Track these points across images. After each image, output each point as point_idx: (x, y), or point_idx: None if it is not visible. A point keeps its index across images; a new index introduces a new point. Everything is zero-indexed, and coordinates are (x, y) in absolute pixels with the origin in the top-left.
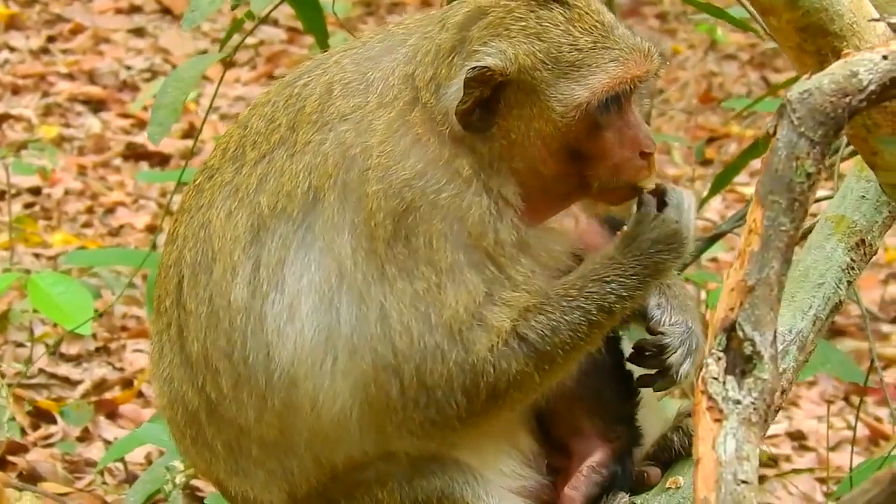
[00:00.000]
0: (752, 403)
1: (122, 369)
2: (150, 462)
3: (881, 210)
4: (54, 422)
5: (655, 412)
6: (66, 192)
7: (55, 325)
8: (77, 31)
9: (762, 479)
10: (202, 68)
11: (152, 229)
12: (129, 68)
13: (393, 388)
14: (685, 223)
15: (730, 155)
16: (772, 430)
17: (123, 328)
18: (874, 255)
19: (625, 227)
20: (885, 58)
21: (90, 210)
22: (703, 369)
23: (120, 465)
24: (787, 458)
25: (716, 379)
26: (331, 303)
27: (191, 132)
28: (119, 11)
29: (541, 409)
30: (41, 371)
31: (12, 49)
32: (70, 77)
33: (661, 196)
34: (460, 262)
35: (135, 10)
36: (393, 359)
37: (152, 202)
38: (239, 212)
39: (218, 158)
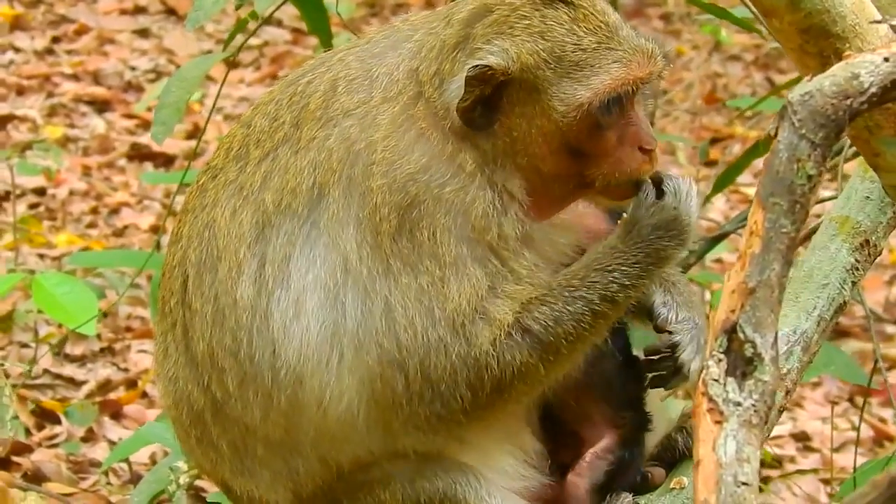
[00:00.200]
0: (753, 405)
1: (126, 370)
2: (154, 462)
3: (885, 211)
4: (59, 422)
5: (659, 413)
6: (71, 193)
7: (60, 326)
8: (82, 31)
9: (766, 479)
10: (206, 68)
11: (156, 230)
12: (133, 69)
13: (398, 383)
14: (684, 209)
15: (734, 156)
16: (776, 431)
17: (128, 328)
18: (878, 255)
19: (624, 215)
20: (886, 60)
21: (95, 210)
22: (704, 371)
23: (124, 465)
24: (792, 459)
25: (716, 381)
26: (336, 298)
27: (195, 133)
28: (124, 12)
29: (548, 399)
30: (46, 371)
31: (17, 50)
32: (75, 78)
33: (659, 184)
34: (464, 255)
35: (139, 10)
36: (398, 353)
37: (156, 203)
38: (244, 210)
39: (221, 158)
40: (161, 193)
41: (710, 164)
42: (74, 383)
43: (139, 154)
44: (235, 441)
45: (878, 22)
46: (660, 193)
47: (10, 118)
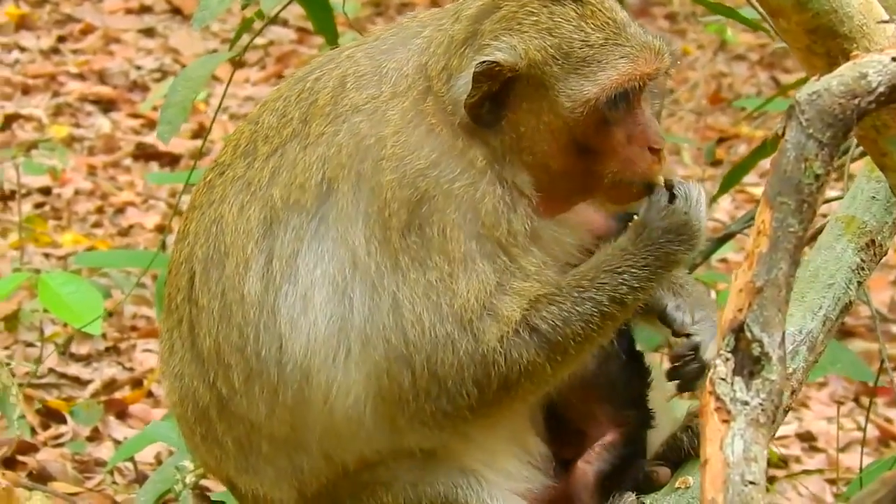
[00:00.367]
0: (760, 404)
1: (131, 369)
2: (159, 462)
3: (891, 211)
4: (64, 421)
5: (665, 412)
6: (76, 192)
7: (65, 325)
8: (87, 31)
9: (772, 479)
10: (212, 68)
11: (162, 229)
12: (139, 68)
13: (405, 379)
14: (695, 214)
15: (739, 155)
16: (782, 431)
17: (133, 328)
18: (884, 255)
19: (636, 217)
20: (894, 59)
21: (100, 210)
22: (712, 370)
23: (130, 464)
24: (797, 460)
25: (724, 380)
26: (344, 293)
27: (200, 132)
28: (129, 11)
29: (552, 398)
30: (51, 371)
31: (23, 49)
32: (80, 77)
33: (669, 188)
34: (473, 251)
35: (145, 10)
36: (405, 349)
37: (162, 202)
38: (251, 205)
39: (229, 155)
40: (166, 193)
41: (716, 164)
42: (80, 382)
43: (144, 153)
44: (240, 438)
45: (886, 22)
46: (670, 197)
47: (15, 117)
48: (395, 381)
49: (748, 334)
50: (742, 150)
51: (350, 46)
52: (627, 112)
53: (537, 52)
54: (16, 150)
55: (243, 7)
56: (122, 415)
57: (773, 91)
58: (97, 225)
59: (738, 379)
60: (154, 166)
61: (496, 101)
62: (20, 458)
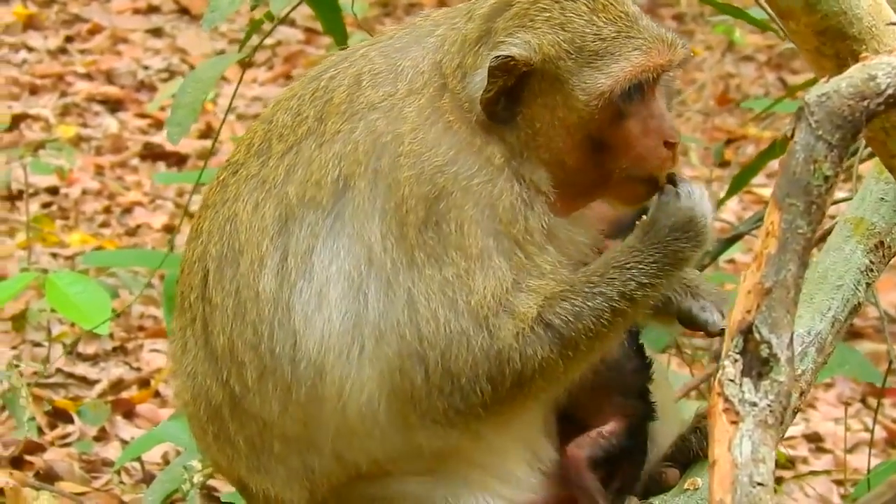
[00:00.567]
0: (769, 406)
1: (139, 369)
2: (167, 462)
3: None
4: (71, 421)
5: (673, 413)
6: (84, 192)
7: (73, 325)
8: (95, 31)
9: (779, 480)
10: (221, 69)
11: (169, 229)
12: (146, 68)
13: (418, 375)
14: (700, 212)
15: (747, 156)
16: (789, 431)
17: (140, 328)
18: (893, 257)
19: (644, 217)
20: None
21: (107, 210)
22: (720, 371)
23: (137, 464)
24: (804, 460)
25: (732, 381)
26: (359, 289)
27: (208, 132)
28: (137, 11)
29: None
30: (58, 370)
31: (30, 49)
32: (88, 77)
33: (673, 185)
34: (490, 248)
35: (153, 10)
36: (419, 345)
37: (169, 202)
38: (266, 203)
39: (242, 154)
40: (174, 193)
41: (723, 165)
42: (87, 382)
43: (152, 153)
44: (253, 437)
45: (895, 24)
46: (676, 195)
47: (23, 117)
48: (408, 377)
49: (757, 335)
50: (750, 151)
51: (363, 45)
52: (642, 105)
53: (551, 46)
54: (23, 149)
55: (252, 8)
56: (130, 415)
57: (781, 92)
58: (105, 225)
59: (746, 380)
60: (161, 166)
61: (511, 97)
62: (27, 457)
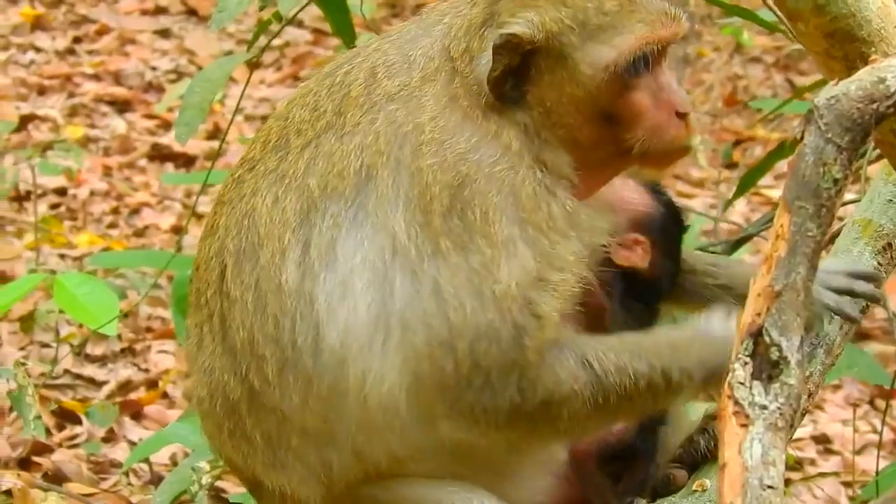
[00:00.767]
0: (779, 408)
1: (147, 370)
2: (175, 463)
3: None
4: (79, 422)
5: (682, 415)
6: (92, 193)
7: (80, 326)
8: (103, 32)
9: (787, 482)
10: (229, 69)
11: (177, 230)
12: (154, 69)
13: (447, 364)
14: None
15: (755, 158)
16: (797, 433)
17: (148, 329)
18: None
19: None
20: None
21: (115, 211)
22: (730, 374)
23: (145, 465)
24: (813, 462)
25: (742, 384)
26: (384, 278)
27: (216, 133)
28: (145, 12)
29: None
30: (66, 371)
31: (38, 50)
32: (96, 78)
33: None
34: (514, 236)
35: (160, 11)
36: (447, 334)
37: (177, 203)
38: (287, 196)
39: (258, 151)
40: (182, 194)
41: (731, 166)
42: (95, 383)
43: (160, 154)
44: (270, 432)
45: None
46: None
47: (31, 118)
48: (437, 365)
49: (766, 338)
50: (758, 152)
51: (374, 41)
52: (650, 78)
53: (553, 23)
54: (31, 150)
55: (261, 9)
56: (138, 416)
57: (789, 93)
58: (112, 226)
59: (756, 383)
60: (169, 167)
61: (519, 76)
62: (35, 458)
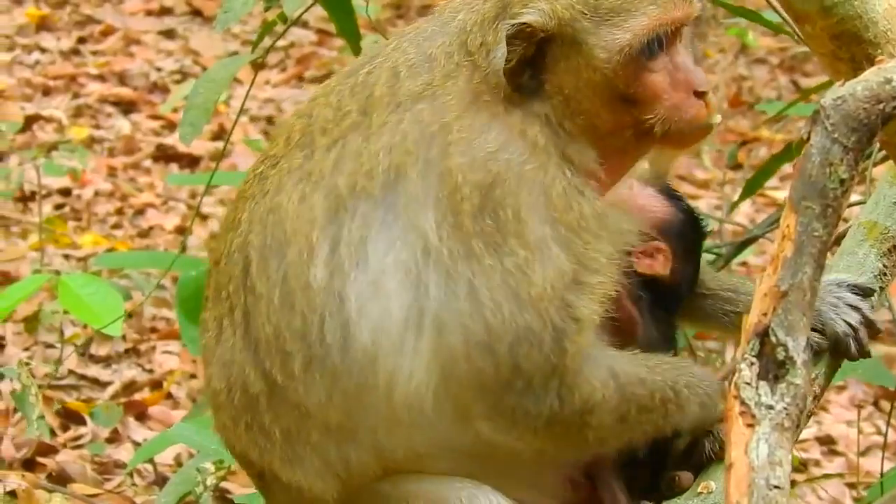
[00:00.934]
0: (785, 408)
1: (151, 371)
2: (179, 464)
3: None
4: (84, 423)
5: None
6: (96, 194)
7: (85, 326)
8: (107, 32)
9: (792, 483)
10: (234, 70)
11: (182, 231)
12: (159, 70)
13: (487, 366)
14: None
15: (760, 159)
16: (801, 434)
17: (153, 329)
18: None
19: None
20: None
21: (120, 211)
22: (737, 375)
23: (149, 466)
24: (817, 463)
25: (748, 384)
26: (418, 279)
27: (220, 134)
28: (149, 13)
29: None
30: (71, 372)
31: (43, 50)
32: (100, 78)
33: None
34: (547, 236)
35: (165, 11)
36: (485, 336)
37: (182, 204)
38: (314, 195)
39: (281, 147)
40: (186, 194)
41: (736, 167)
42: (99, 384)
43: (164, 155)
44: (290, 426)
45: None
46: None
47: (35, 118)
48: (476, 366)
49: (773, 338)
50: (763, 153)
51: (392, 41)
52: (666, 59)
53: (565, 10)
54: (36, 151)
55: (266, 10)
56: (142, 416)
57: (794, 95)
58: (117, 226)
59: (762, 383)
60: (174, 168)
61: (535, 66)
62: (40, 459)
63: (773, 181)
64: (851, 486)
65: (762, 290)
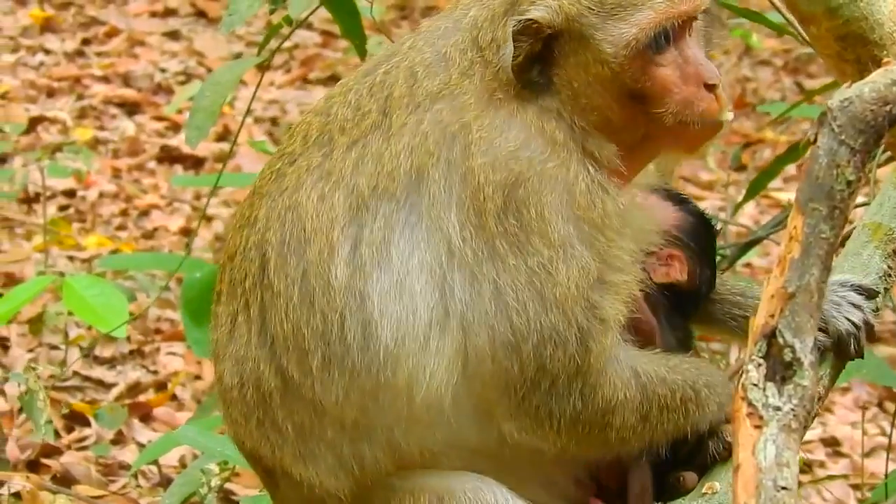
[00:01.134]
0: (792, 410)
1: (155, 372)
2: (184, 465)
3: None
4: (88, 424)
5: None
6: (101, 195)
7: (89, 328)
8: (112, 34)
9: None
10: (240, 72)
11: (186, 232)
12: (163, 71)
13: (512, 365)
14: None
15: (764, 160)
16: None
17: (157, 331)
18: None
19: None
20: None
21: (124, 213)
22: (744, 376)
23: (154, 467)
24: (822, 464)
25: (756, 385)
26: (443, 280)
27: (225, 135)
28: (154, 14)
29: None
30: (75, 374)
31: (47, 51)
32: (105, 80)
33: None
34: (571, 235)
35: (170, 13)
36: (511, 336)
37: (186, 205)
38: (334, 194)
39: (298, 145)
40: (191, 196)
41: (740, 168)
42: (104, 386)
43: (169, 156)
44: (303, 423)
45: None
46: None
47: (40, 120)
48: (502, 366)
49: (780, 340)
50: (766, 154)
51: (408, 38)
52: (674, 52)
53: (572, 5)
54: (40, 152)
55: (271, 12)
56: (146, 418)
57: (798, 96)
58: (121, 228)
59: (770, 384)
60: (178, 169)
61: (543, 62)
62: (44, 461)
63: (776, 182)
64: (856, 487)
65: (769, 292)
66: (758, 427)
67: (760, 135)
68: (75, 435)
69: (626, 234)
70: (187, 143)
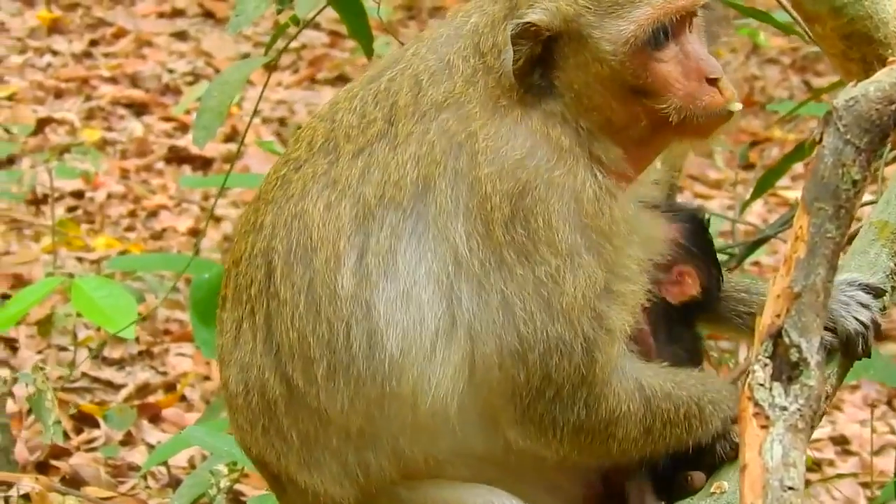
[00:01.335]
0: (799, 410)
1: (164, 373)
2: (193, 466)
3: None
4: (97, 426)
5: None
6: (109, 196)
7: (98, 329)
8: (120, 34)
9: (806, 483)
10: (247, 72)
11: (195, 233)
12: (171, 72)
13: (519, 374)
14: None
15: (772, 159)
16: (815, 434)
17: (166, 332)
18: None
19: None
20: None
21: (133, 214)
22: (750, 376)
23: (163, 468)
24: (831, 463)
25: (762, 385)
26: (450, 290)
27: (233, 136)
28: (161, 15)
29: None
30: (84, 375)
31: (55, 53)
32: (113, 81)
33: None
34: (578, 244)
35: (177, 13)
36: (518, 345)
37: (195, 206)
38: (341, 203)
39: (304, 151)
40: (199, 196)
41: (748, 167)
42: (113, 387)
43: (177, 157)
44: (308, 431)
45: None
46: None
47: (48, 121)
48: (508, 374)
49: (786, 339)
50: (774, 153)
51: (412, 45)
52: (674, 48)
53: (569, 6)
54: (49, 153)
55: (278, 12)
56: (155, 419)
57: (805, 94)
58: (130, 228)
59: (776, 384)
60: (187, 170)
61: (544, 65)
62: (53, 462)
63: (784, 180)
64: (865, 485)
65: (775, 292)
66: (764, 427)
67: (768, 133)
68: (84, 436)
69: (634, 242)
70: (195, 144)
